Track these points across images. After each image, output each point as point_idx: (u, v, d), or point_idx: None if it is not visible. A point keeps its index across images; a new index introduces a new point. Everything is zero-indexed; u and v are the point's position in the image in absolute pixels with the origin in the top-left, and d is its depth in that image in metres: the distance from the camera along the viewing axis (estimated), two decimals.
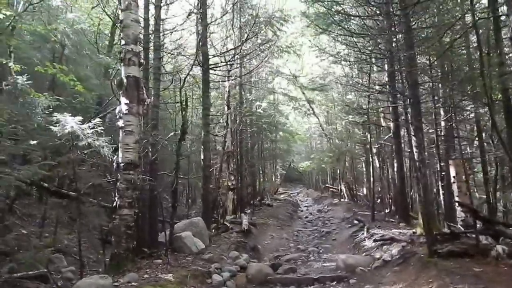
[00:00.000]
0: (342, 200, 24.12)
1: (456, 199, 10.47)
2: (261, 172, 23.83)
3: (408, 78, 9.33)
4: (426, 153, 8.86)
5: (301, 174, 44.81)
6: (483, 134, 11.27)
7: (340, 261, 7.93)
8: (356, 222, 14.07)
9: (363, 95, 16.17)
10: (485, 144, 11.41)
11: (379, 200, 18.53)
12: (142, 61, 7.71)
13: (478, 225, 6.57)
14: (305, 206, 27.39)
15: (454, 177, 10.41)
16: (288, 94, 24.95)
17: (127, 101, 6.78)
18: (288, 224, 15.86)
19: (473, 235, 7.26)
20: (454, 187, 10.45)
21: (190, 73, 13.18)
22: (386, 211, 16.54)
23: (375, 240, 8.91)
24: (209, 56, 11.75)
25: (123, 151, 6.71)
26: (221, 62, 12.44)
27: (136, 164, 6.93)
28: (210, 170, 11.81)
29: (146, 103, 7.46)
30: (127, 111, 6.79)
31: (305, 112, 27.41)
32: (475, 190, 13.01)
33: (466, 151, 13.02)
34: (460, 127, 13.24)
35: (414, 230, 8.90)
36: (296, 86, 23.52)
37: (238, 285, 7.25)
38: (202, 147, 10.90)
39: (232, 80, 13.83)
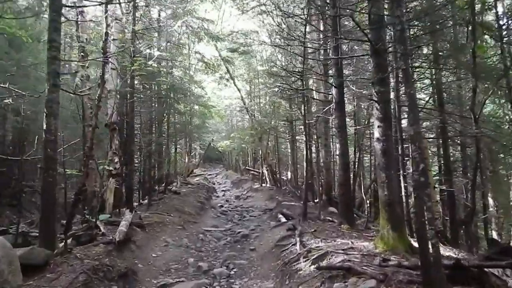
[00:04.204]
0: (263, 185, 21.16)
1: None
2: (171, 151, 19.70)
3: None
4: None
5: (221, 154, 41.47)
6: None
7: None
8: (282, 218, 10.90)
9: (296, 58, 12.94)
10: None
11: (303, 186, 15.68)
12: None
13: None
14: (222, 190, 24.30)
15: None
16: (205, 60, 21.08)
17: None
18: (195, 219, 12.15)
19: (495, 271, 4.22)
20: None
21: None
22: (316, 201, 13.69)
23: (316, 265, 5.55)
24: None
25: None
26: None
27: None
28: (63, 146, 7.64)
29: None
30: None
31: (225, 84, 23.75)
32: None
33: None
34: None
35: (378, 249, 5.67)
36: (215, 46, 19.66)
37: None
38: (45, 110, 6.63)
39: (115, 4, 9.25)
